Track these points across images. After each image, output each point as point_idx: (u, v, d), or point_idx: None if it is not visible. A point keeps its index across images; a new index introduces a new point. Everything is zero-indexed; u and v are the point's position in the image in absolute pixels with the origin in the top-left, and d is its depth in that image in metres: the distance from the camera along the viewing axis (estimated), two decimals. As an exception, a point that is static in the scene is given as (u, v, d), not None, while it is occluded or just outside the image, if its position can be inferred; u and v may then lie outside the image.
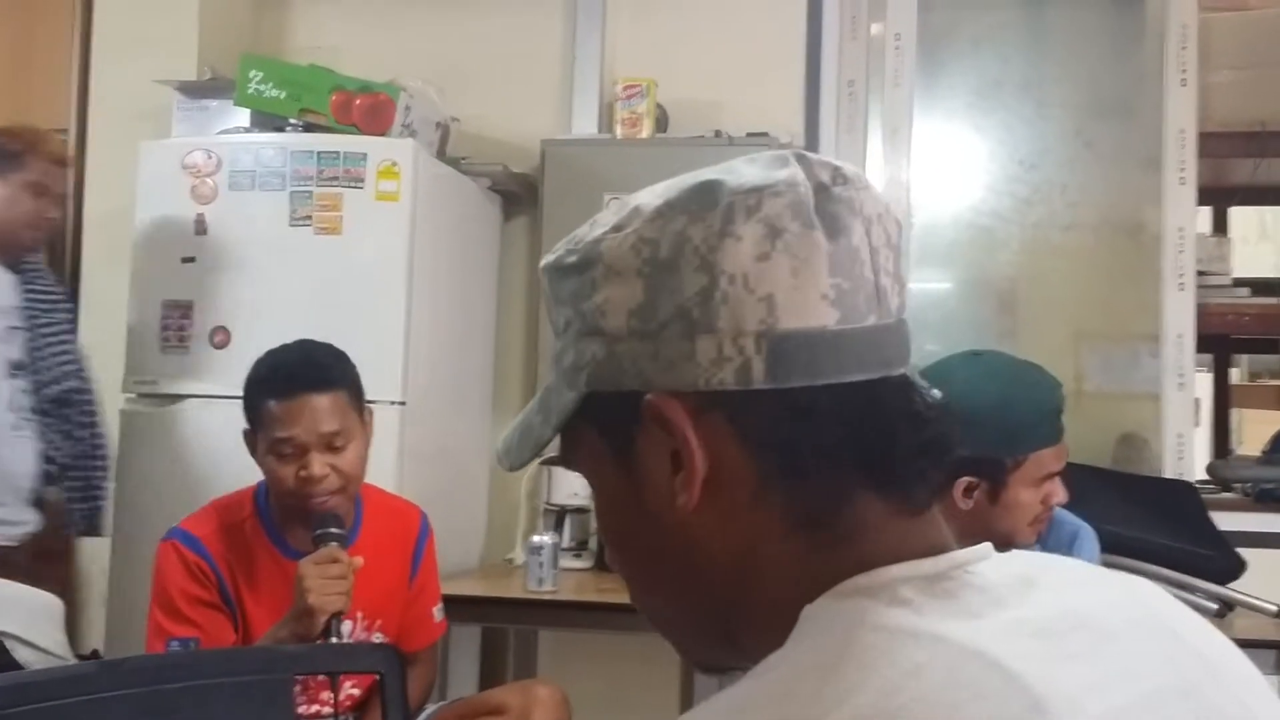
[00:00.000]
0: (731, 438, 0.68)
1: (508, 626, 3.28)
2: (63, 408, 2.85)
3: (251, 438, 2.25)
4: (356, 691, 2.41)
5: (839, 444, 0.68)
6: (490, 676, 3.16)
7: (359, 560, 2.17)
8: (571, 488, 3.52)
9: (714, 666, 0.78)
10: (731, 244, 0.67)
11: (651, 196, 0.71)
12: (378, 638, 2.38)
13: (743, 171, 0.70)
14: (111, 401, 3.21)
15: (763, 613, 0.69)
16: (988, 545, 0.70)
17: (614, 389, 0.70)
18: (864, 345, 0.68)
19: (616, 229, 0.70)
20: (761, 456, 0.68)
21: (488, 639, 3.29)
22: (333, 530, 2.18)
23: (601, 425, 0.72)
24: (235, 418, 2.42)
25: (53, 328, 2.89)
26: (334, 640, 2.10)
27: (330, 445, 2.20)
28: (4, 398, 2.76)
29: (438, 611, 2.51)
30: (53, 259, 3.66)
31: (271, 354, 2.30)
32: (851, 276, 0.68)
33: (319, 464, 2.19)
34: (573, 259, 0.72)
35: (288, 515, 2.27)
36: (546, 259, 0.75)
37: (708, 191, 0.69)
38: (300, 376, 2.22)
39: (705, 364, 0.67)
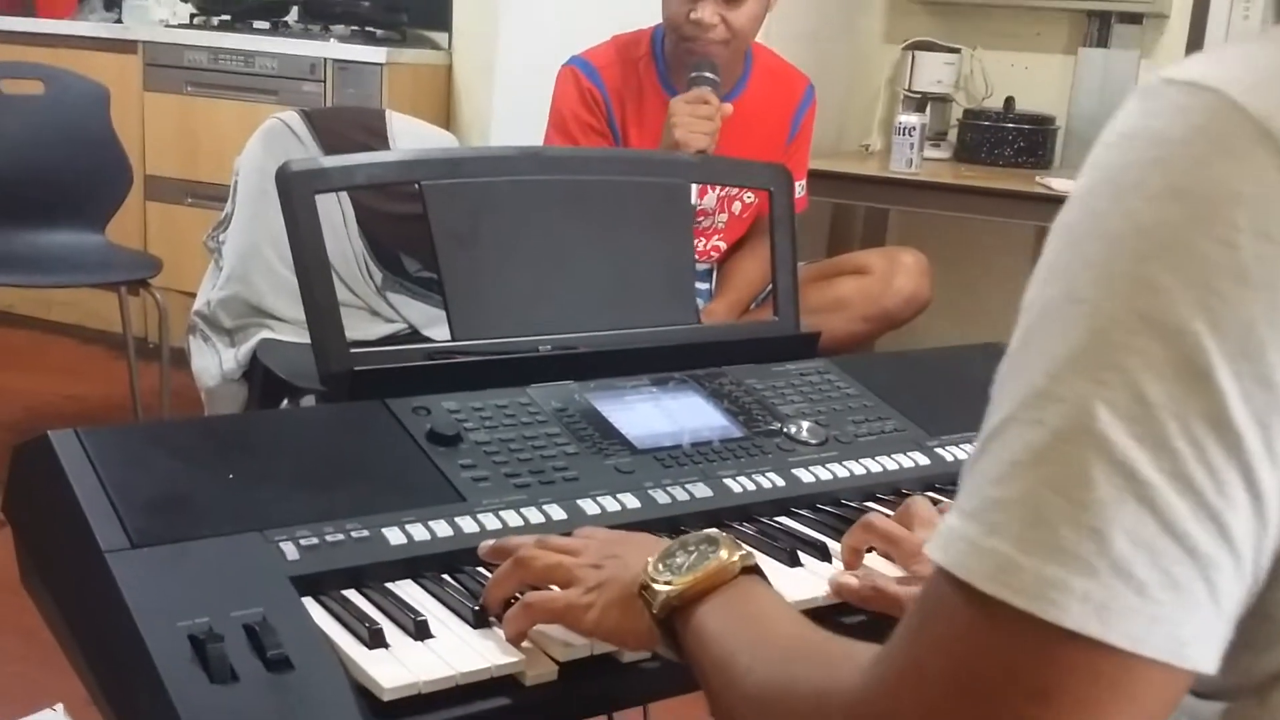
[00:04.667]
0: None
1: (861, 204, 3.31)
2: None
3: None
4: (723, 245, 2.52)
5: None
6: (837, 252, 3.23)
7: (728, 107, 2.22)
8: (935, 75, 3.42)
9: None
10: None
11: None
12: (740, 201, 2.46)
13: None
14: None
15: None
16: None
17: None
18: None
19: None
20: None
21: (837, 216, 3.34)
22: (707, 75, 2.22)
23: None
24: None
25: None
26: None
27: None
28: None
29: (800, 186, 2.52)
30: None
31: None
32: None
33: (711, 11, 2.23)
34: None
35: (678, 60, 2.33)
36: None
37: None
38: None
39: None
